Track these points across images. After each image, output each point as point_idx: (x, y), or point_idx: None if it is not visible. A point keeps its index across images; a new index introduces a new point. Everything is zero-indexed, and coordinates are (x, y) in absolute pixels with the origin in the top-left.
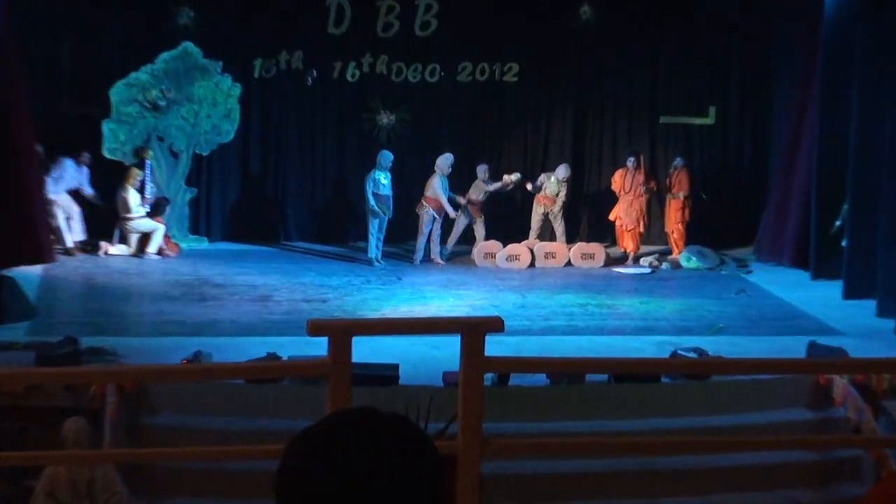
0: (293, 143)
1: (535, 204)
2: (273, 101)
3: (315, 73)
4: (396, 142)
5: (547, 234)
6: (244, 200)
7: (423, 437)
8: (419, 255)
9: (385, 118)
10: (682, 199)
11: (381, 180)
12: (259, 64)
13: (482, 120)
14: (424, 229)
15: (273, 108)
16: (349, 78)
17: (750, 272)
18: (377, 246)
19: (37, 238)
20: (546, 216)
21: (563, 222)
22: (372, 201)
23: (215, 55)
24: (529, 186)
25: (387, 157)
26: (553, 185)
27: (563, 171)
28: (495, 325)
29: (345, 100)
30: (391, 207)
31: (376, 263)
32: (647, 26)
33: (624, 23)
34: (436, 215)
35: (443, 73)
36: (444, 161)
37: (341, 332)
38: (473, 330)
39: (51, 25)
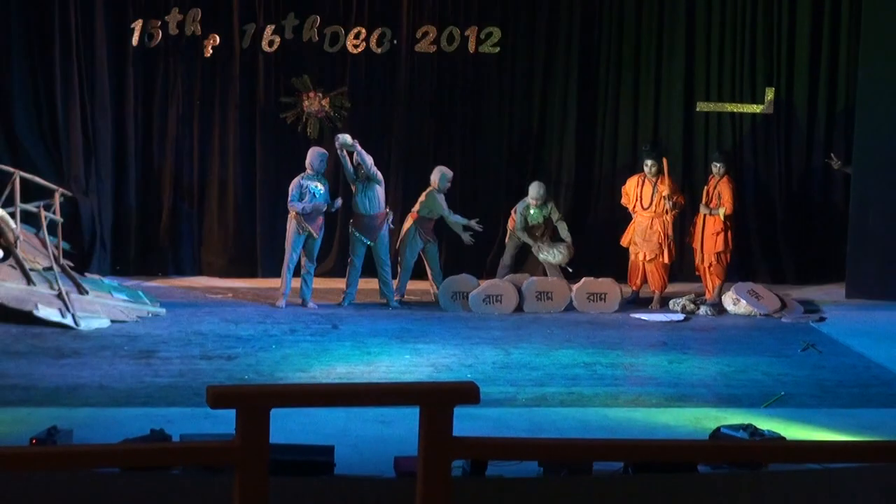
0: (183, 138)
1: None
2: (156, 79)
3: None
4: (329, 136)
5: (533, 266)
6: (116, 216)
7: None
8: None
9: (314, 103)
10: (722, 217)
11: (313, 189)
12: (140, 27)
13: (448, 105)
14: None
15: (156, 88)
16: (265, 47)
17: (823, 320)
18: (306, 281)
19: None
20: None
21: (554, 249)
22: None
23: (81, 12)
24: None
25: (320, 156)
26: (535, 213)
27: (534, 191)
28: (467, 393)
29: (257, 77)
30: (321, 227)
31: (301, 305)
32: None
33: None
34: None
35: (395, 41)
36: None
37: (254, 402)
38: (437, 400)
39: None
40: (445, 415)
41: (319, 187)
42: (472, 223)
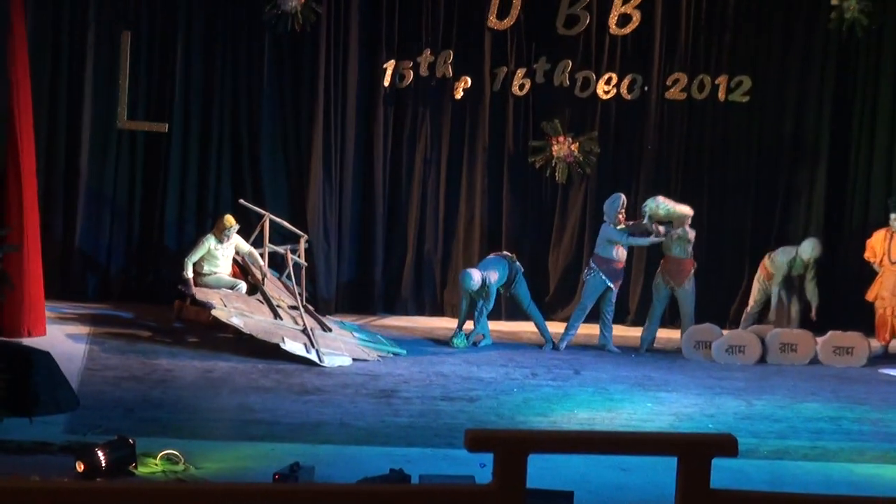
0: (429, 180)
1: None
2: (405, 120)
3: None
4: (577, 181)
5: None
6: (361, 257)
7: None
8: (569, 335)
9: (563, 148)
10: None
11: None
12: (391, 67)
13: (696, 152)
14: (587, 301)
15: (405, 129)
16: (516, 91)
17: None
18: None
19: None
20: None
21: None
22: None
23: (332, 53)
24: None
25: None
26: (799, 265)
27: (811, 250)
28: (726, 445)
29: (506, 120)
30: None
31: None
32: None
33: None
34: (609, 282)
35: (646, 88)
36: (611, 205)
37: (515, 448)
38: (696, 451)
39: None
40: (704, 467)
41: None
42: (653, 228)
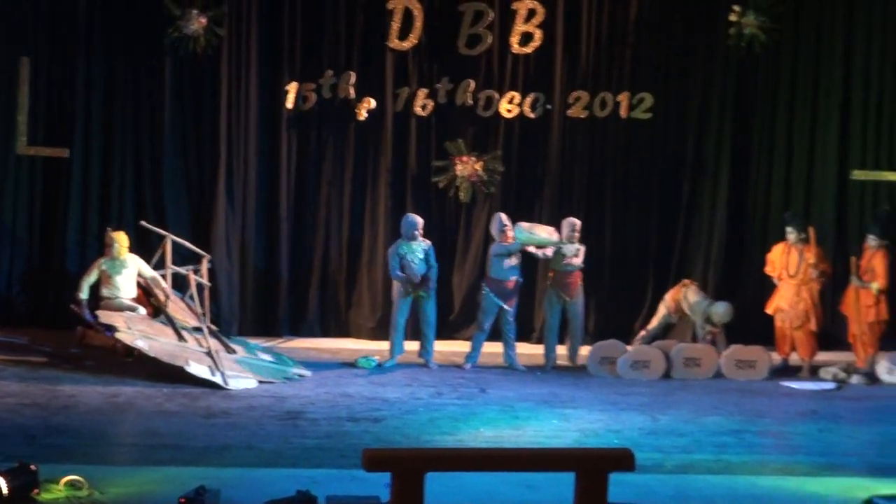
0: (333, 201)
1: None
2: (309, 142)
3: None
4: (482, 200)
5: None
6: (266, 278)
7: None
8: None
9: (467, 167)
10: (875, 291)
11: (409, 255)
12: (294, 90)
13: (599, 169)
14: (484, 322)
15: (307, 152)
16: (418, 111)
17: None
18: (425, 346)
19: None
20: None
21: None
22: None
23: (234, 76)
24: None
25: (410, 223)
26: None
27: (721, 313)
28: (623, 459)
29: (409, 141)
30: (431, 287)
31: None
32: (835, 42)
33: (800, 38)
34: (500, 302)
35: (548, 106)
36: (495, 226)
37: (410, 465)
38: (593, 466)
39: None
40: (601, 481)
41: (420, 255)
42: (555, 245)
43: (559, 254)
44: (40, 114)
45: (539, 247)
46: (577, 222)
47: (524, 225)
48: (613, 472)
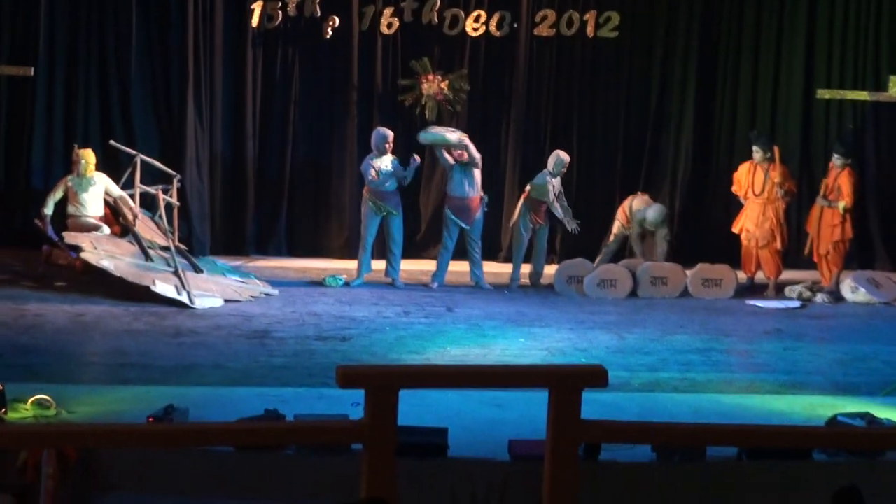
0: (301, 120)
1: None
2: (275, 61)
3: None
4: (449, 118)
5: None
6: (232, 198)
7: None
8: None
9: (433, 86)
10: (841, 210)
11: (382, 168)
12: (259, 8)
13: (566, 89)
14: (447, 241)
15: (275, 70)
16: (384, 29)
17: None
18: (392, 264)
19: None
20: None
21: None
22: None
23: None
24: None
25: (381, 135)
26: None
27: (653, 216)
28: (596, 377)
29: (375, 59)
30: (398, 204)
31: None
32: None
33: None
34: (458, 220)
35: (515, 25)
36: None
37: (385, 383)
38: (567, 383)
39: None
40: (575, 398)
41: (388, 167)
42: (568, 221)
43: (543, 187)
44: (4, 33)
45: (449, 150)
46: (567, 158)
47: (434, 129)
48: (586, 389)
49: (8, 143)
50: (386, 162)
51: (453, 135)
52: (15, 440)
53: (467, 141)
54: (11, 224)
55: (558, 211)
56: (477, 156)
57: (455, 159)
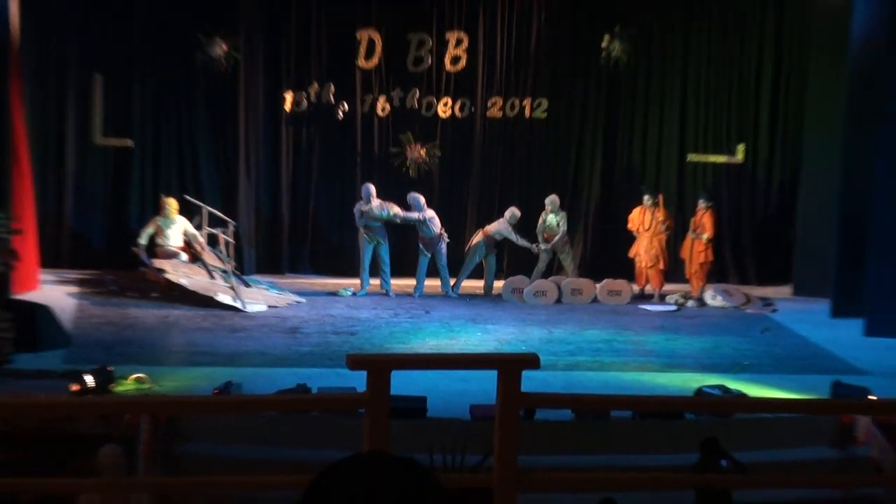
0: (319, 178)
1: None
2: (300, 134)
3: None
4: (426, 175)
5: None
6: (270, 232)
7: (434, 483)
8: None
9: (415, 152)
10: (704, 241)
11: (364, 210)
12: (290, 97)
13: (511, 154)
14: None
15: (300, 141)
16: (380, 112)
17: (776, 311)
18: (384, 279)
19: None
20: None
21: (570, 257)
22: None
23: (246, 87)
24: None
25: (365, 189)
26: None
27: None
28: (532, 362)
29: (373, 134)
30: (384, 236)
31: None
32: (676, 62)
33: (652, 59)
34: (426, 251)
35: (472, 108)
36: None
37: (381, 367)
38: (511, 367)
39: (83, 55)
40: (516, 377)
41: (374, 210)
42: (532, 246)
43: (500, 233)
44: (108, 115)
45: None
46: (519, 213)
47: (378, 211)
48: (525, 370)
49: (114, 194)
50: (373, 206)
51: (393, 210)
52: (121, 407)
53: (401, 213)
54: (118, 253)
55: (523, 243)
56: (415, 216)
57: (417, 218)
